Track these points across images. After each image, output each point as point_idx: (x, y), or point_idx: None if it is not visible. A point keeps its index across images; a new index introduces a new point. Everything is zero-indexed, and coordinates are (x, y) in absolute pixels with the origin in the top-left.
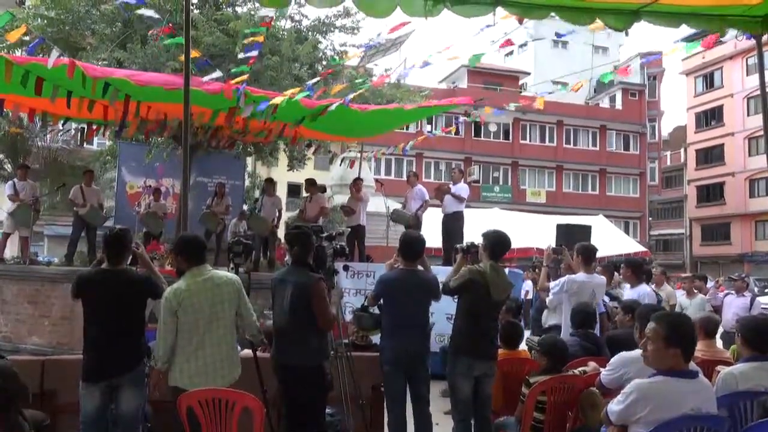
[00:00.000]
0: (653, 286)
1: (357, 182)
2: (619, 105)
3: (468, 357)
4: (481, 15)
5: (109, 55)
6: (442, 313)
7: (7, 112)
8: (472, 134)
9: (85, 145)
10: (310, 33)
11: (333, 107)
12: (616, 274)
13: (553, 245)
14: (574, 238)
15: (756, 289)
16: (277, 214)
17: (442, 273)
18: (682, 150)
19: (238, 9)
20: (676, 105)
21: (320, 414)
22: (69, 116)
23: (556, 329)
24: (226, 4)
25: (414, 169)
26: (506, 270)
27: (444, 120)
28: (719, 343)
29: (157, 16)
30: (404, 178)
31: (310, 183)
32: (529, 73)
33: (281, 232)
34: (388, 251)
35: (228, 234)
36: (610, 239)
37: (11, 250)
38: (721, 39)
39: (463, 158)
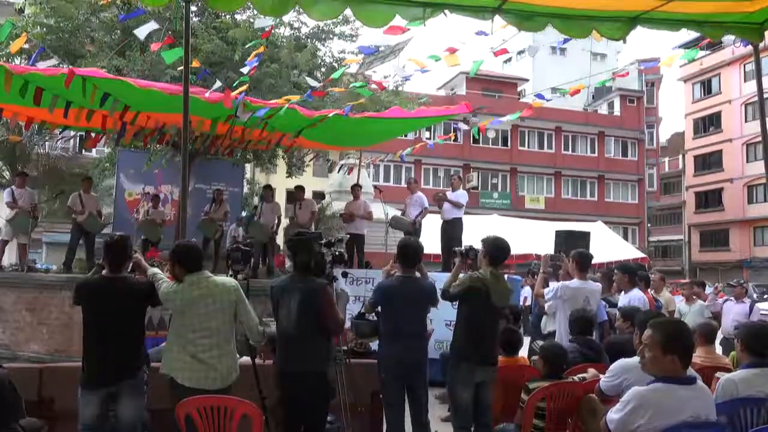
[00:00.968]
0: (652, 292)
1: (355, 189)
2: (617, 111)
3: (468, 363)
4: (480, 18)
5: (108, 63)
6: (441, 319)
7: (5, 120)
8: (471, 141)
9: (83, 152)
10: (309, 40)
11: (331, 116)
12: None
13: (552, 252)
14: (572, 245)
15: (755, 295)
16: (276, 220)
17: (440, 279)
18: (680, 156)
19: (238, 17)
20: (675, 111)
21: (323, 421)
22: (67, 125)
23: (555, 335)
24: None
25: (413, 176)
26: (505, 276)
27: (443, 127)
28: (718, 349)
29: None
30: (403, 184)
31: (299, 189)
32: (527, 80)
33: (280, 239)
34: (387, 258)
35: (227, 240)
36: (609, 246)
37: (9, 257)
38: (719, 43)
39: (462, 165)
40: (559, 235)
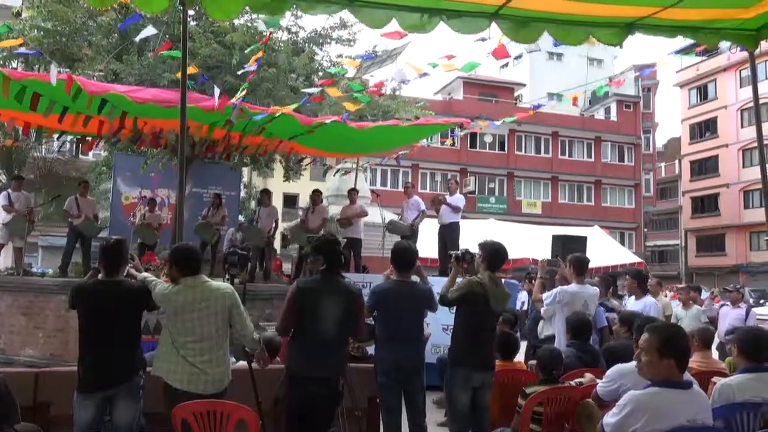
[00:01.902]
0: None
1: (351, 193)
2: (614, 116)
3: (466, 368)
4: (476, 31)
5: (105, 67)
6: (439, 324)
7: (1, 124)
8: (468, 145)
9: (80, 156)
10: (306, 45)
11: (328, 122)
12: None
13: (549, 257)
14: (569, 250)
15: (751, 300)
16: (273, 224)
17: (438, 283)
18: (676, 161)
19: (235, 21)
20: (671, 117)
21: (329, 427)
22: (64, 130)
23: (552, 340)
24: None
25: (410, 180)
26: (502, 281)
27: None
28: (715, 354)
29: (153, 29)
30: (400, 188)
31: (317, 194)
32: (524, 85)
33: (277, 242)
34: (384, 262)
35: (224, 244)
36: (606, 250)
37: (5, 261)
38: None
39: (459, 169)
40: (556, 239)
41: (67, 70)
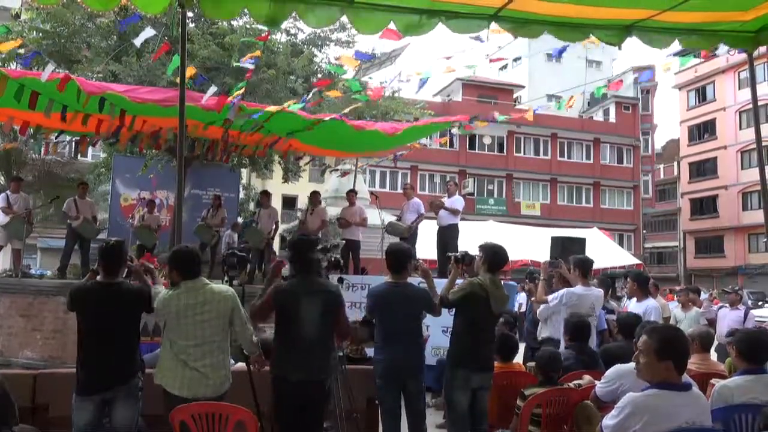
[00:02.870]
0: None
1: (350, 195)
2: (612, 118)
3: (466, 369)
4: (475, 31)
5: (104, 68)
6: (438, 325)
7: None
8: (467, 147)
9: (79, 157)
10: (305, 47)
11: (327, 119)
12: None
13: (548, 258)
14: (568, 251)
15: (750, 302)
16: (273, 226)
17: (437, 285)
18: (675, 163)
19: (234, 23)
20: (670, 118)
21: (321, 428)
22: (62, 129)
23: (550, 341)
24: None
25: (409, 182)
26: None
27: (438, 132)
28: (713, 356)
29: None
30: (399, 190)
31: (315, 194)
32: (523, 87)
33: (276, 244)
34: (383, 263)
35: (223, 246)
36: (605, 252)
37: (4, 262)
38: (714, 52)
39: (458, 171)
40: (555, 241)
41: (66, 71)
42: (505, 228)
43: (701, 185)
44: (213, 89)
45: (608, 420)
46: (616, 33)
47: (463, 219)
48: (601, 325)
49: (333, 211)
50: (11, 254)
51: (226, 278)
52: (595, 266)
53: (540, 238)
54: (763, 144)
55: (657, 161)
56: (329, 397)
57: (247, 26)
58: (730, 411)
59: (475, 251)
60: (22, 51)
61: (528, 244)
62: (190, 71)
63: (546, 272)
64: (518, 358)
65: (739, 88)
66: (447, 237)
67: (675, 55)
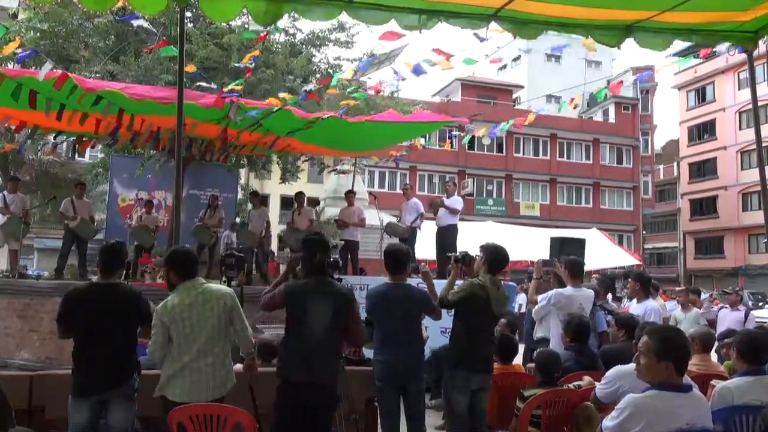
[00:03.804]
0: None
1: (349, 195)
2: (612, 119)
3: (465, 370)
4: (475, 28)
5: (102, 68)
6: (437, 326)
7: None
8: (466, 147)
9: (76, 157)
10: (304, 47)
11: (326, 117)
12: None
13: (546, 258)
14: (568, 252)
15: (750, 303)
16: (264, 226)
17: (437, 286)
18: (675, 163)
19: (233, 23)
20: (669, 119)
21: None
22: (60, 129)
23: (545, 342)
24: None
25: (408, 182)
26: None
27: (438, 134)
28: (714, 357)
29: (151, 28)
30: (398, 190)
31: (300, 195)
32: (522, 87)
33: (274, 244)
34: (382, 264)
35: (221, 246)
36: (605, 252)
37: (0, 263)
38: (714, 51)
39: (457, 171)
40: (555, 242)
41: (64, 70)
42: (504, 228)
43: (701, 186)
44: (212, 86)
45: (608, 421)
46: (615, 34)
47: (462, 219)
48: (600, 326)
49: (331, 212)
50: (8, 255)
51: (224, 279)
52: (594, 267)
53: (539, 239)
54: (763, 144)
55: (657, 162)
56: (336, 404)
57: (246, 26)
58: (731, 412)
59: (474, 252)
60: (19, 50)
61: (527, 245)
62: (187, 69)
63: (539, 272)
64: (518, 360)
65: (739, 89)
66: (446, 237)
67: (675, 55)
